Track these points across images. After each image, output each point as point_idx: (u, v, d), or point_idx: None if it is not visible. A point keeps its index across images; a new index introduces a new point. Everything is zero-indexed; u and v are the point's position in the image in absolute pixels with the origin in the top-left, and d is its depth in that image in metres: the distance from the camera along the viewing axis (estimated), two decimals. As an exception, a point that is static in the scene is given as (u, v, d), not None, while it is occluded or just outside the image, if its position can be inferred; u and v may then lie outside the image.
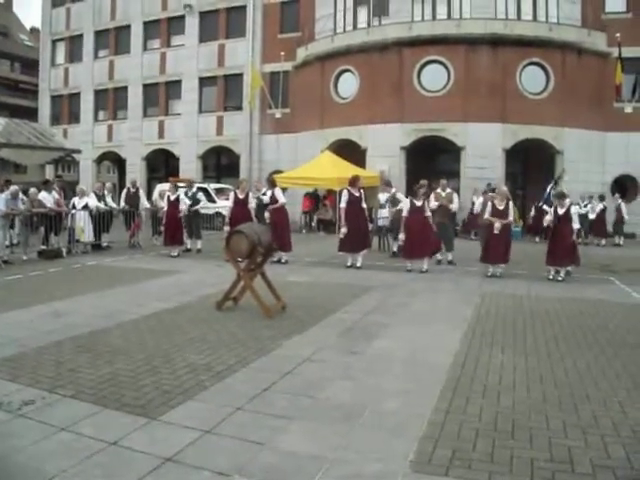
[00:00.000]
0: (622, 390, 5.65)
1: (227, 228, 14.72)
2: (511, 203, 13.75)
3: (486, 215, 13.61)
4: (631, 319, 9.10)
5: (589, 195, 23.41)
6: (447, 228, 15.07)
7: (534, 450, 4.29)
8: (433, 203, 14.52)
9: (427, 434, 4.53)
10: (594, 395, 5.50)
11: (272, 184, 15.47)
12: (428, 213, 13.89)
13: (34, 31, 61.42)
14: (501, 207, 13.40)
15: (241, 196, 15.15)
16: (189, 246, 17.41)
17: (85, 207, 16.75)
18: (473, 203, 18.68)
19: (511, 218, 13.49)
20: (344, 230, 14.21)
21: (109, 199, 18.17)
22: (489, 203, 13.78)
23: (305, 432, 4.56)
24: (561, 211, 13.00)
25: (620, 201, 23.44)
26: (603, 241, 22.55)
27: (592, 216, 22.70)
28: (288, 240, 14.87)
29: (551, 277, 13.09)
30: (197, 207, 17.59)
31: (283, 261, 14.78)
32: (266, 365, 6.26)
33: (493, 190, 17.15)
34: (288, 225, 15.41)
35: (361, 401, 5.22)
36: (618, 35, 25.14)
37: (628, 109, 26.21)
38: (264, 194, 15.58)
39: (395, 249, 16.90)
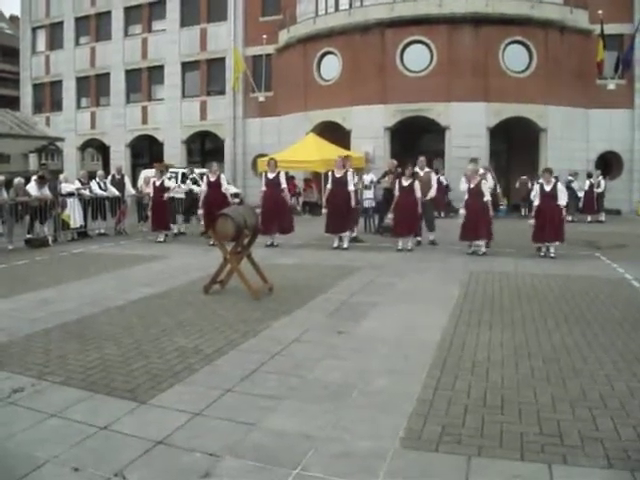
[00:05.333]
0: (609, 363, 5.70)
1: (201, 211, 14.73)
2: (484, 181, 13.70)
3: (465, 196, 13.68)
4: (617, 294, 9.17)
5: (574, 172, 23.49)
6: (427, 208, 15.04)
7: (523, 424, 4.32)
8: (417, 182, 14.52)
9: (416, 411, 4.56)
10: (582, 369, 5.54)
11: (275, 166, 15.29)
12: (419, 194, 13.92)
13: (14, 19, 60.51)
14: (472, 185, 13.43)
15: (212, 179, 15.18)
16: (175, 230, 17.37)
17: (71, 194, 16.64)
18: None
19: (486, 197, 13.42)
20: (324, 211, 14.37)
21: (95, 186, 17.93)
22: (464, 182, 13.85)
23: (294, 412, 4.58)
24: (548, 188, 13.05)
25: (601, 178, 23.50)
26: (589, 217, 22.64)
27: (581, 193, 22.85)
28: (290, 223, 14.99)
29: (542, 254, 13.18)
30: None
31: (275, 244, 14.74)
32: (255, 347, 6.27)
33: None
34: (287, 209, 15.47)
35: (350, 380, 5.24)
36: (600, 12, 25.14)
37: (611, 86, 26.31)
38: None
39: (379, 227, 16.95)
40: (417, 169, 15.38)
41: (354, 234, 15.34)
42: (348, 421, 4.38)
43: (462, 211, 13.58)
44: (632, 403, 4.70)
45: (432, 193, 15.16)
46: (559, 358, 5.87)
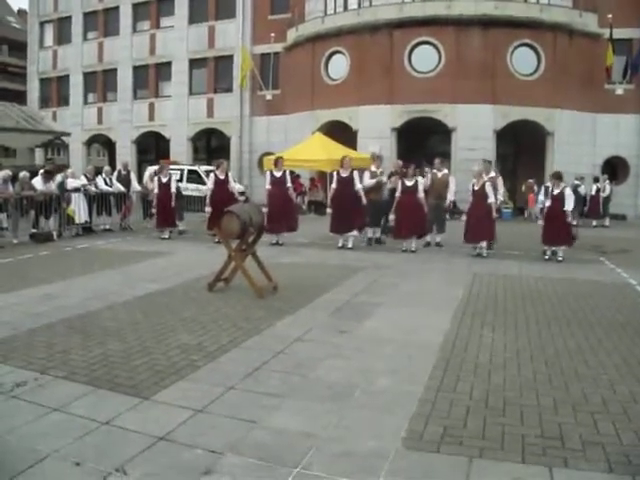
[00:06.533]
0: (611, 367, 5.69)
1: (208, 209, 14.70)
2: (488, 183, 13.63)
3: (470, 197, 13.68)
4: (621, 299, 9.16)
5: (581, 176, 23.46)
6: (440, 209, 15.02)
7: (525, 427, 4.33)
8: (426, 183, 14.50)
9: (418, 412, 4.56)
10: (584, 373, 5.54)
11: (280, 165, 15.27)
12: (421, 194, 13.88)
13: (22, 13, 60.68)
14: (477, 188, 13.41)
15: (221, 177, 15.12)
16: (181, 227, 17.39)
17: (77, 190, 16.66)
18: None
19: (490, 199, 13.37)
20: (328, 210, 14.34)
21: (100, 182, 17.93)
22: (470, 184, 13.82)
23: (297, 410, 4.58)
24: (556, 192, 13.03)
25: (607, 182, 23.50)
26: (594, 222, 22.63)
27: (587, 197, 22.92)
28: (295, 221, 15.01)
29: (547, 257, 13.19)
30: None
31: (280, 243, 14.74)
32: (258, 345, 6.28)
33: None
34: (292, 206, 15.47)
35: (352, 380, 5.24)
36: (610, 16, 25.09)
37: (619, 91, 26.29)
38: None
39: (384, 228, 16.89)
40: (435, 170, 15.35)
41: (377, 235, 15.36)
42: (350, 421, 4.39)
43: (463, 217, 13.58)
44: (634, 408, 4.70)
45: (451, 197, 15.14)
46: (562, 361, 5.86)
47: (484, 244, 13.45)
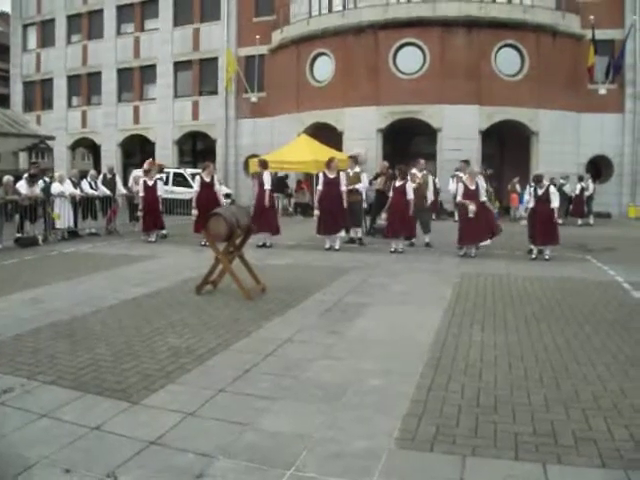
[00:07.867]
0: (601, 364, 5.71)
1: (195, 212, 14.65)
2: (481, 182, 13.69)
3: (458, 197, 13.62)
4: (608, 296, 9.20)
5: (566, 175, 23.60)
6: (423, 210, 15.04)
7: (517, 424, 4.33)
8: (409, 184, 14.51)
9: (411, 411, 4.55)
10: (574, 370, 5.55)
11: (264, 167, 15.21)
12: (410, 196, 13.86)
13: (4, 15, 60.15)
14: (472, 187, 13.42)
15: (207, 179, 15.06)
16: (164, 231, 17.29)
17: (62, 194, 16.52)
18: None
19: (483, 198, 13.43)
20: (316, 212, 14.33)
21: (85, 185, 17.81)
22: (460, 184, 13.82)
23: (288, 412, 4.56)
24: (540, 192, 13.09)
25: (590, 181, 23.67)
26: (579, 221, 22.78)
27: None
28: (276, 224, 14.85)
29: (534, 256, 13.22)
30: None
31: (268, 244, 14.70)
32: (247, 347, 6.24)
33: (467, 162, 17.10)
34: (274, 209, 15.31)
35: (344, 380, 5.22)
36: (592, 17, 25.30)
37: (602, 90, 26.48)
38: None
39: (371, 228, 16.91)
40: (415, 171, 15.39)
41: (359, 235, 15.38)
42: (342, 421, 4.37)
43: (472, 207, 13.27)
44: (624, 403, 4.72)
45: (430, 196, 15.22)
46: (552, 359, 5.88)
47: (485, 243, 13.46)
